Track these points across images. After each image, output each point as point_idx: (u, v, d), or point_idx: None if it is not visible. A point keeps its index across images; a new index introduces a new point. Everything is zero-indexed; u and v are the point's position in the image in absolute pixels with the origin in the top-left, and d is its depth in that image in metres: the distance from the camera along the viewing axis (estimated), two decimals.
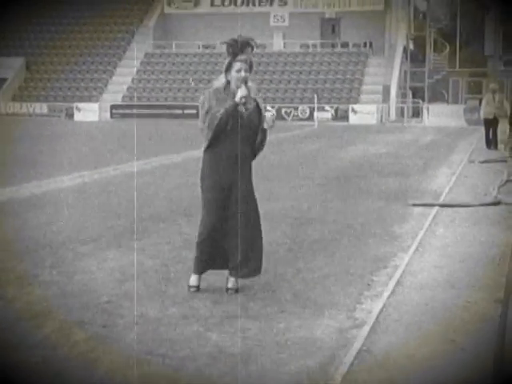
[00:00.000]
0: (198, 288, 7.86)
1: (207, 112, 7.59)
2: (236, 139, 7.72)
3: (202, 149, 7.80)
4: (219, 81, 7.92)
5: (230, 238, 7.80)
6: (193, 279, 7.86)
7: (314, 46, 59.80)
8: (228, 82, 7.74)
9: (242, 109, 7.64)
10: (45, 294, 7.90)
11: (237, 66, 7.68)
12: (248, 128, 7.73)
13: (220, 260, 7.89)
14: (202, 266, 7.89)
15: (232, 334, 6.62)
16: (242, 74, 7.67)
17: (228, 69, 7.74)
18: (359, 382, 5.56)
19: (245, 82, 7.72)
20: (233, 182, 7.81)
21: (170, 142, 30.39)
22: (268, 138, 7.96)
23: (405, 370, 5.86)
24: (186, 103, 53.65)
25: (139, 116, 50.70)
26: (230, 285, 7.88)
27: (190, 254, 9.08)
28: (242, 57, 7.69)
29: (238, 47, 7.74)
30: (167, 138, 33.19)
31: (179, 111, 52.40)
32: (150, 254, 9.76)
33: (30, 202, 14.20)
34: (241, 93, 7.67)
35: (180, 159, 23.15)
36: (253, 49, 7.86)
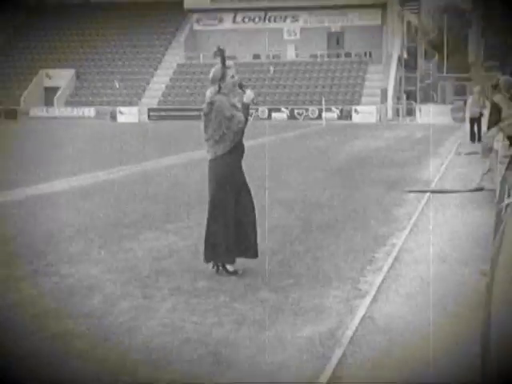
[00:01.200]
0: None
1: (230, 119, 7.42)
2: (242, 138, 7.72)
3: (220, 152, 7.53)
4: (211, 91, 7.64)
5: (247, 226, 7.75)
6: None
7: (322, 56, 59.70)
8: (219, 90, 7.55)
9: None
10: (93, 270, 7.93)
11: (230, 72, 7.59)
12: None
13: (242, 246, 7.69)
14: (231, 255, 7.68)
15: (255, 303, 6.62)
16: (235, 78, 7.64)
17: (223, 77, 7.54)
18: (363, 345, 5.56)
19: (239, 84, 7.71)
20: (243, 177, 7.85)
21: (199, 139, 30.34)
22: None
23: (403, 334, 5.85)
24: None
25: (173, 118, 50.67)
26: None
27: None
28: (228, 63, 7.64)
29: (224, 55, 7.70)
30: (197, 137, 33.11)
31: None
32: (182, 236, 9.79)
33: (80, 192, 14.25)
34: (250, 95, 7.64)
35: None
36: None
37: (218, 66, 7.62)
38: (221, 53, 7.72)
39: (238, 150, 7.66)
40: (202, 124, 7.72)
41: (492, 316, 4.03)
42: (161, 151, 24.27)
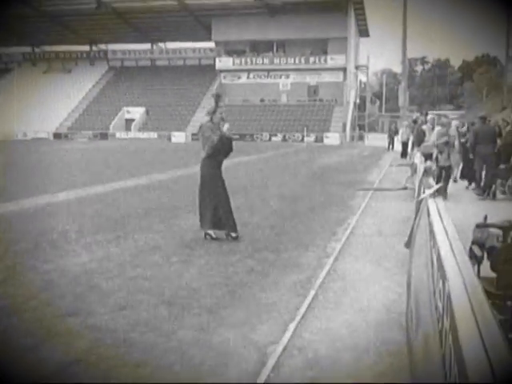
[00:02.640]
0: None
1: (208, 138, 7.49)
2: (221, 151, 7.67)
3: (203, 156, 7.64)
4: (205, 119, 7.79)
5: (221, 206, 7.67)
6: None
7: (304, 101, 59.50)
8: (211, 119, 7.64)
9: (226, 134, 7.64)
10: (156, 237, 7.95)
11: (219, 110, 7.68)
12: (225, 144, 7.66)
13: (215, 219, 7.61)
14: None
15: (259, 260, 6.63)
16: (223, 114, 7.74)
17: (214, 112, 7.65)
18: (328, 288, 5.58)
19: (222, 119, 7.74)
20: (220, 173, 7.80)
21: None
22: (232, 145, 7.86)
23: (354, 281, 5.86)
24: (234, 133, 53.62)
25: None
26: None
27: (249, 216, 9.06)
28: (220, 104, 7.73)
29: (219, 99, 7.80)
30: None
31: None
32: None
33: (148, 187, 14.26)
34: (227, 127, 7.66)
35: (236, 161, 23.14)
36: (222, 99, 7.90)
37: (213, 105, 7.76)
38: (217, 96, 7.90)
39: (214, 157, 7.63)
40: None
41: (412, 276, 4.05)
42: (196, 161, 24.22)
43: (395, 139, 34.45)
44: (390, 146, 35.41)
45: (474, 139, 12.66)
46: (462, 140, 14.48)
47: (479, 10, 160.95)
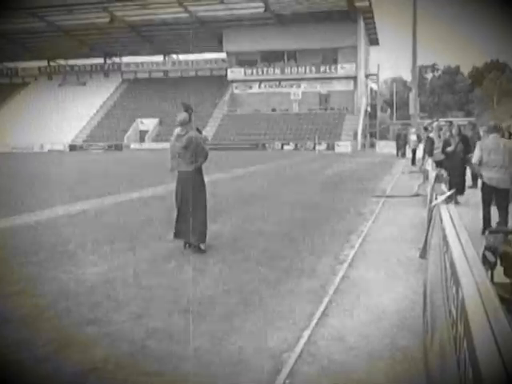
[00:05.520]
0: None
1: (202, 150, 7.26)
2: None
3: (195, 168, 7.31)
4: (180, 129, 7.33)
5: (195, 218, 7.43)
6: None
7: (315, 109, 59.55)
8: (186, 130, 7.29)
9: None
10: (174, 244, 7.94)
11: (192, 119, 7.38)
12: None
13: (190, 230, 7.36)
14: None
15: (273, 267, 6.62)
16: (191, 122, 7.42)
17: (190, 121, 7.32)
18: (343, 294, 5.55)
19: (197, 129, 7.55)
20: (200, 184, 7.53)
21: (242, 161, 30.33)
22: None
23: (368, 288, 5.83)
24: (244, 142, 53.78)
25: (220, 149, 50.74)
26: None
27: (262, 224, 9.05)
28: (190, 112, 7.40)
29: (190, 108, 7.46)
30: (239, 159, 33.13)
31: (243, 146, 52.44)
32: (224, 224, 9.76)
33: (160, 197, 14.30)
34: (205, 136, 7.57)
35: (250, 170, 23.13)
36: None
37: (184, 113, 7.35)
38: (185, 105, 7.52)
39: (201, 169, 7.45)
40: (173, 149, 7.44)
41: (428, 282, 4.02)
42: (212, 170, 24.30)
43: (406, 147, 34.34)
44: (400, 153, 35.39)
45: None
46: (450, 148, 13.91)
47: (489, 17, 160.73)
